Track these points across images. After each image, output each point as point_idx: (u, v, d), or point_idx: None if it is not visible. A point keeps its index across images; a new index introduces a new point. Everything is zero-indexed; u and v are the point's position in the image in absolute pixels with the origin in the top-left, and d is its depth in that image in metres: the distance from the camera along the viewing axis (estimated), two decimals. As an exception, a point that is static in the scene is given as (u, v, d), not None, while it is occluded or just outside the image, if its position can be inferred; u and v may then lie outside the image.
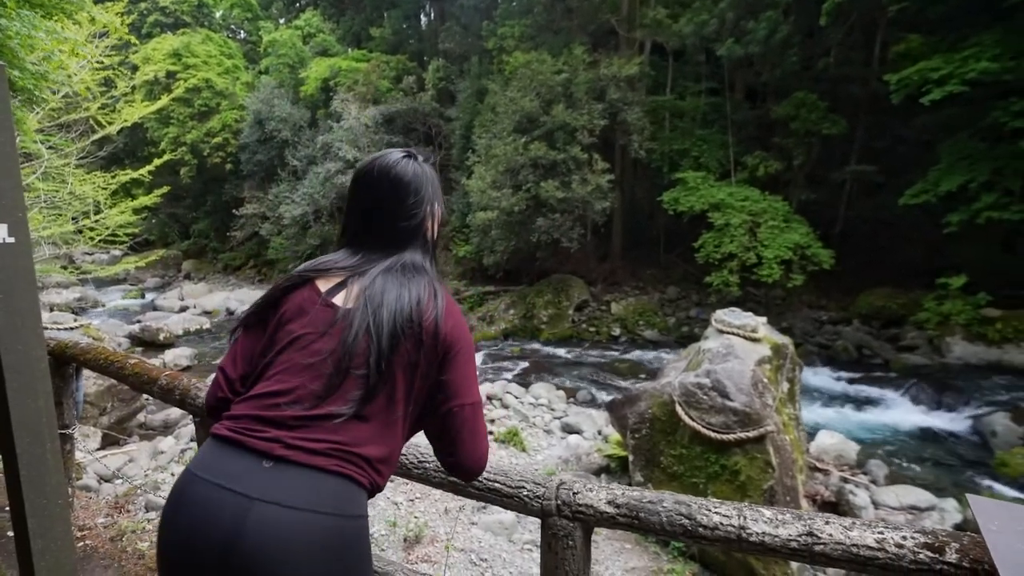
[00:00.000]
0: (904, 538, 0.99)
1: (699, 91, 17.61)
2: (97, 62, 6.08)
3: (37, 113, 5.92)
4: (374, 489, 1.08)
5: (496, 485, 1.34)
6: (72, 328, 6.76)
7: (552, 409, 8.70)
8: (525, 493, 1.31)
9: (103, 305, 18.88)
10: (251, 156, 22.28)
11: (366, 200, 1.23)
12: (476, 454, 1.15)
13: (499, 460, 6.31)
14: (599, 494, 1.24)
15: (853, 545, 1.01)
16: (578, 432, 7.56)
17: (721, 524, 1.10)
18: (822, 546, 1.03)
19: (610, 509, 1.20)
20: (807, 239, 12.77)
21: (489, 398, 8.88)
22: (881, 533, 1.00)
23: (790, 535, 1.05)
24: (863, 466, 6.61)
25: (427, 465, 1.40)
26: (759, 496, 4.50)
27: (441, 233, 1.34)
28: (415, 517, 4.62)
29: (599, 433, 7.45)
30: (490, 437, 7.20)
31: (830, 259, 12.60)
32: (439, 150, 21.07)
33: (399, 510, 4.78)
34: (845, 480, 6.01)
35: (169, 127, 22.90)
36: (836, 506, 5.59)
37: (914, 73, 10.79)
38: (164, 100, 8.95)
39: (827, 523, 1.05)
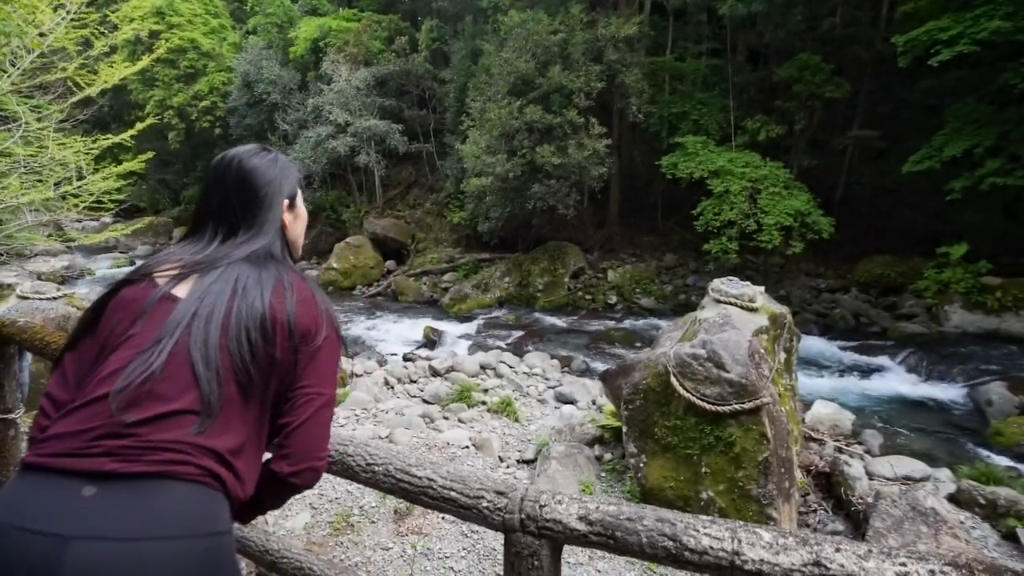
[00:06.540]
0: (932, 573, 0.81)
1: (700, 52, 17.09)
2: (74, 18, 5.75)
3: (10, 75, 5.63)
4: (233, 494, 0.92)
5: (452, 495, 1.15)
6: (55, 298, 6.59)
7: (546, 378, 8.61)
8: (485, 504, 1.13)
9: (92, 273, 18.61)
10: (240, 120, 21.65)
11: (217, 191, 1.22)
12: (314, 450, 1.04)
13: (490, 432, 6.19)
14: (569, 508, 1.06)
15: (869, 579, 0.84)
16: (572, 402, 7.46)
17: (711, 548, 0.93)
18: (831, 579, 0.85)
19: (582, 526, 1.03)
20: (808, 206, 12.51)
21: (483, 367, 8.78)
22: (904, 565, 0.83)
23: (793, 564, 0.88)
24: (858, 436, 6.53)
25: (376, 469, 1.23)
26: (753, 467, 4.42)
27: (300, 232, 1.35)
28: (403, 491, 4.54)
29: (593, 403, 7.35)
30: (483, 407, 7.09)
31: (830, 227, 12.37)
32: (433, 113, 20.57)
33: (387, 483, 4.70)
34: (840, 450, 5.93)
35: (154, 89, 22.23)
36: (830, 476, 5.52)
37: (923, 34, 10.39)
38: (146, 61, 8.62)
39: (838, 551, 0.87)
